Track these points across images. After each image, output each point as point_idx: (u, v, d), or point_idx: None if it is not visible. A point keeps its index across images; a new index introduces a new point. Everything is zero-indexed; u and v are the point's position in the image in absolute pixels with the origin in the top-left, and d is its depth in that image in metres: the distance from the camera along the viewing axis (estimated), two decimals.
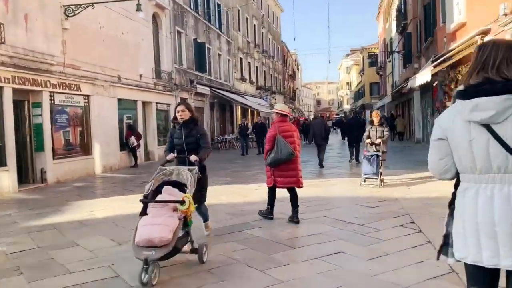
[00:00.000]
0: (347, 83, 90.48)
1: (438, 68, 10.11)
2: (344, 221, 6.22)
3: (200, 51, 23.93)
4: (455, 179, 2.10)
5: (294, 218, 6.28)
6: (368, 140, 9.61)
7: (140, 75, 17.27)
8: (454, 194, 2.10)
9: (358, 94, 66.21)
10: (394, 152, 18.72)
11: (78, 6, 12.72)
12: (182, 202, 4.17)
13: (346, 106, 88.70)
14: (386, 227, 5.84)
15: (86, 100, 13.99)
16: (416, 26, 21.97)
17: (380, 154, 9.30)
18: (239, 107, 31.27)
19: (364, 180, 9.30)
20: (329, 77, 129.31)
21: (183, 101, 21.50)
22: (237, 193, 9.07)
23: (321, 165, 13.53)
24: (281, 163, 6.20)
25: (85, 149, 14.01)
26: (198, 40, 23.77)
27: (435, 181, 9.82)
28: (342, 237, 5.39)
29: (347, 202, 7.83)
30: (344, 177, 11.42)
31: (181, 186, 4.51)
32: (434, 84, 13.71)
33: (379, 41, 51.22)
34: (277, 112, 6.51)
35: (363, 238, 5.32)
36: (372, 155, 9.33)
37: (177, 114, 5.15)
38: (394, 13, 31.73)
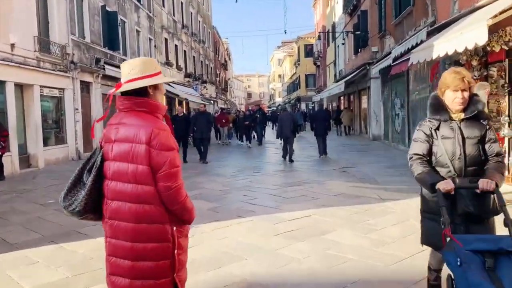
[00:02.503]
0: (279, 76, 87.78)
1: (499, 18, 6.08)
2: None
3: (110, 22, 18.53)
4: None
5: None
6: (445, 170, 2.70)
7: (12, 45, 11.80)
8: None
9: (293, 86, 63.34)
10: (357, 150, 15.09)
11: None
12: None
13: (278, 99, 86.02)
14: None
15: None
16: (376, 1, 18.43)
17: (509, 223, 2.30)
18: (165, 96, 26.08)
19: None
20: (259, 70, 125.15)
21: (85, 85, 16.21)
22: None
23: (290, 159, 12.91)
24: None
25: None
26: (108, 9, 18.38)
27: None
28: None
29: None
30: (328, 202, 7.15)
31: None
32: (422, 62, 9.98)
33: (316, 29, 48.22)
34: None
35: None
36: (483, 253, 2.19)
37: None
38: None
